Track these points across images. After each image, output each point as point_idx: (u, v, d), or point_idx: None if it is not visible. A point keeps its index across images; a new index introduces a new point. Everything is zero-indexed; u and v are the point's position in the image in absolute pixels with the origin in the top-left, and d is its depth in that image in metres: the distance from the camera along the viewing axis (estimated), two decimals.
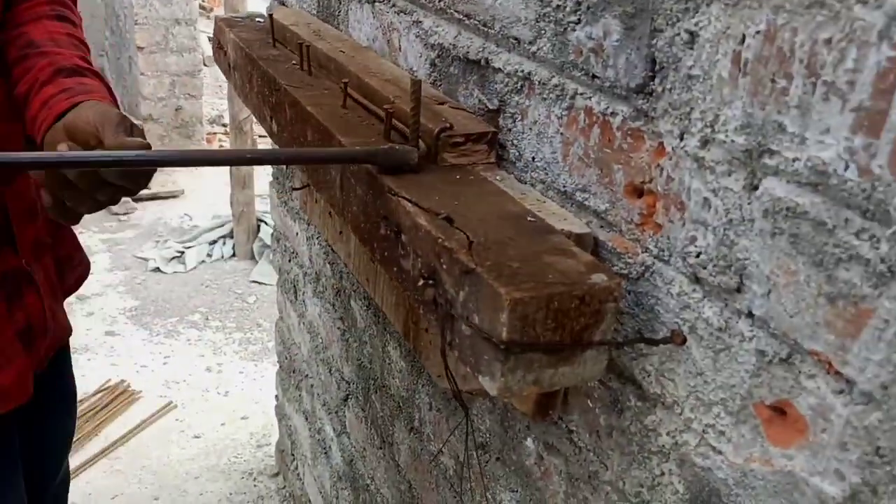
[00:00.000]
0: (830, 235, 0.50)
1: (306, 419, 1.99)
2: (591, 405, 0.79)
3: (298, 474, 2.17)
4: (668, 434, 0.68)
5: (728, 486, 0.61)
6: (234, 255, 4.07)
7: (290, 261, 1.93)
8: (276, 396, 2.30)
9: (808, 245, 0.51)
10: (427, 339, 1.04)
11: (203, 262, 3.99)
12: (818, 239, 0.50)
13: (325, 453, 1.84)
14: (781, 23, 0.51)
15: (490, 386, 0.64)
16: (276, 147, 1.19)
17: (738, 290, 0.58)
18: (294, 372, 2.06)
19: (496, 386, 0.63)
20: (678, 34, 0.59)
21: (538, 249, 0.68)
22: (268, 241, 3.96)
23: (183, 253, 3.98)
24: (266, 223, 4.04)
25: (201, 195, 4.78)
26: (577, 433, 0.82)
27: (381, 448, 1.45)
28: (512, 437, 0.94)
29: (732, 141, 0.56)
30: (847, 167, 0.48)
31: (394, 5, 1.09)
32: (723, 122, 0.57)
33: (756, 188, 0.55)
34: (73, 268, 1.23)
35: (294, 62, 1.23)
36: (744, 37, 0.54)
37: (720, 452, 0.62)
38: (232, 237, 4.08)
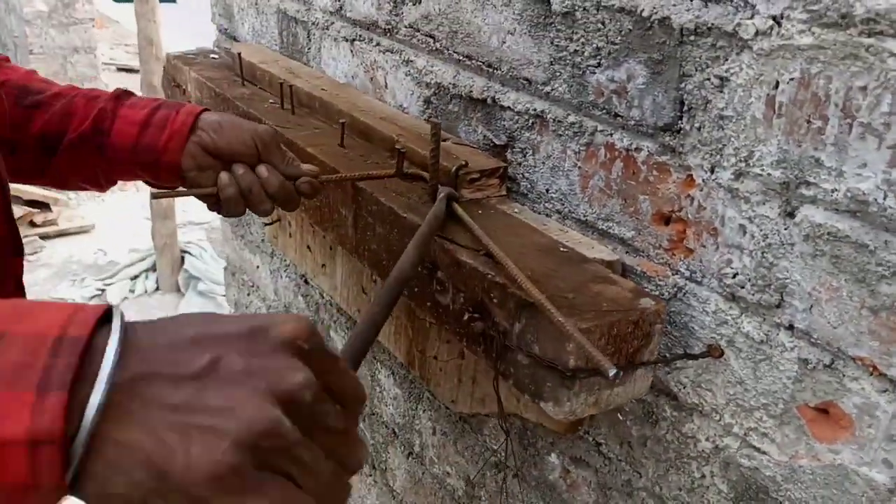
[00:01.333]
0: (872, 256, 0.57)
1: None
2: (621, 418, 0.84)
3: None
4: (707, 440, 0.74)
5: (776, 483, 0.68)
6: (157, 288, 3.95)
7: (248, 294, 1.91)
8: None
9: (849, 264, 0.58)
10: (437, 366, 1.07)
11: (126, 298, 3.84)
12: (860, 259, 0.58)
13: None
14: (815, 71, 0.58)
15: (555, 411, 0.68)
16: None
17: (778, 306, 0.65)
18: None
19: (562, 411, 0.68)
20: (708, 79, 0.66)
21: (582, 279, 0.73)
22: (194, 272, 3.86)
23: (104, 291, 3.83)
24: (191, 254, 3.94)
25: (113, 229, 4.61)
26: (607, 445, 0.87)
27: (370, 476, 1.46)
28: (533, 454, 0.99)
29: (769, 174, 0.63)
30: (886, 196, 0.55)
31: (378, 44, 1.12)
32: (758, 157, 0.63)
33: (793, 215, 0.62)
34: None
35: (272, 101, 1.24)
36: (777, 83, 0.60)
37: (764, 452, 0.69)
38: (155, 270, 3.96)
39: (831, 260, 0.60)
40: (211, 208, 0.90)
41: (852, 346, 0.60)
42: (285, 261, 1.64)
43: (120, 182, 1.01)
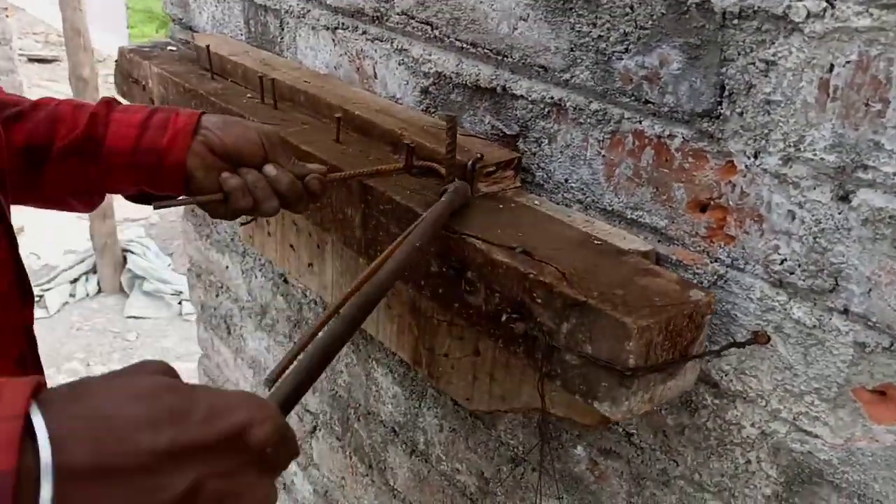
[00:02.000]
0: None
1: None
2: (654, 408, 0.83)
3: None
4: (752, 426, 0.74)
5: (833, 466, 0.68)
6: (100, 290, 3.78)
7: (217, 296, 1.83)
8: None
9: None
10: (448, 364, 1.04)
11: (67, 303, 3.66)
12: None
13: (285, 488, 1.78)
14: (875, 54, 0.57)
15: (612, 411, 0.66)
16: None
17: (832, 291, 0.64)
18: None
19: (619, 410, 0.66)
20: (752, 63, 0.64)
21: (625, 273, 0.71)
22: (138, 271, 3.72)
23: (42, 297, 3.64)
24: (133, 252, 3.78)
25: (44, 231, 4.38)
26: (638, 435, 0.86)
27: (366, 475, 1.43)
28: (556, 448, 0.97)
29: (822, 159, 0.62)
30: None
31: (364, 32, 1.07)
32: (809, 142, 0.62)
33: (848, 199, 0.61)
34: None
35: (250, 95, 1.17)
36: (832, 66, 0.59)
37: (817, 436, 0.69)
38: (95, 272, 3.79)
39: (892, 243, 0.59)
40: (214, 215, 0.84)
41: None
42: (260, 260, 1.58)
43: None
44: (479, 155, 0.85)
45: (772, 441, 0.73)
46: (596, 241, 0.77)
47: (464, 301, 0.79)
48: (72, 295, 3.71)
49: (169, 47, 1.49)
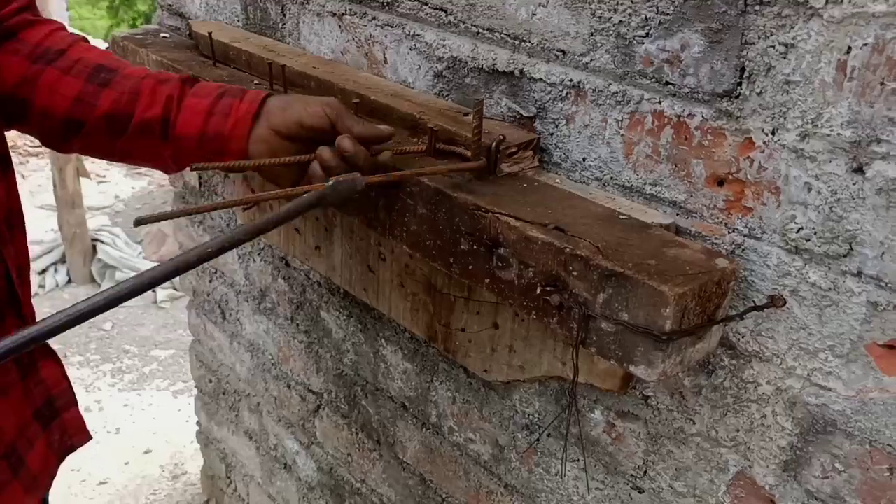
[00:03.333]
0: None
1: (250, 438, 1.93)
2: (683, 370, 0.89)
3: (239, 495, 2.11)
4: (768, 383, 0.80)
5: (846, 416, 0.74)
6: (69, 281, 3.72)
7: (210, 281, 1.84)
8: (198, 422, 2.20)
9: None
10: (465, 338, 1.09)
11: (36, 294, 3.60)
12: None
13: (286, 468, 1.81)
14: (891, 37, 0.62)
15: (648, 373, 0.71)
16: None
17: (846, 255, 0.70)
18: (225, 394, 1.99)
19: (655, 372, 0.71)
20: (772, 46, 0.69)
21: (654, 245, 0.76)
22: (108, 261, 3.67)
23: None
24: (102, 242, 3.73)
25: None
26: (655, 398, 0.92)
27: (374, 450, 1.47)
28: (572, 413, 1.03)
29: (838, 134, 0.67)
30: None
31: (374, 19, 1.10)
32: (827, 119, 0.68)
33: (862, 171, 0.67)
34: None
35: (257, 82, 1.19)
36: (849, 48, 0.64)
37: (830, 390, 0.75)
38: (65, 262, 3.73)
39: None
40: (282, 184, 0.90)
41: None
42: (258, 244, 1.59)
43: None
44: (501, 136, 0.89)
45: (787, 396, 0.79)
46: (621, 216, 0.81)
47: (494, 276, 0.83)
48: (41, 286, 3.65)
49: (161, 34, 1.49)
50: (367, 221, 0.99)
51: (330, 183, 0.80)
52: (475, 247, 0.84)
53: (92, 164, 5.18)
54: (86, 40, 0.97)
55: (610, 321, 0.73)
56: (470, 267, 0.86)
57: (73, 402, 1.04)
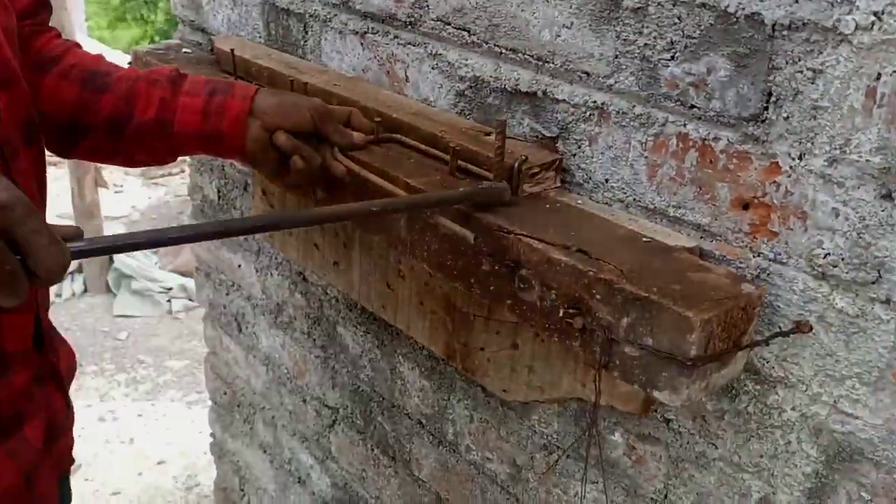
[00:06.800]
0: None
1: (265, 452, 1.93)
2: (708, 395, 0.88)
3: None
4: (793, 409, 0.79)
5: (873, 444, 0.73)
6: (86, 290, 3.75)
7: (227, 294, 1.85)
8: (213, 434, 2.20)
9: None
10: (484, 357, 1.08)
11: (53, 302, 3.63)
12: None
13: (300, 482, 1.81)
14: None
15: (672, 399, 0.71)
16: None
17: (875, 283, 0.69)
18: (240, 406, 1.99)
19: (679, 398, 0.70)
20: (800, 71, 0.69)
21: (678, 269, 0.75)
22: (125, 270, 3.69)
23: None
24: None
25: None
26: (677, 421, 0.91)
27: (389, 467, 1.47)
28: (592, 436, 1.02)
29: (867, 160, 0.67)
30: None
31: (396, 37, 1.10)
32: (856, 145, 0.67)
33: (891, 198, 0.66)
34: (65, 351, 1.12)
35: None
36: (879, 75, 0.64)
37: (857, 417, 0.74)
38: (81, 272, 3.75)
39: None
40: (270, 176, 1.02)
41: None
42: (276, 258, 1.60)
43: None
44: (523, 157, 0.89)
45: (812, 423, 0.78)
46: (644, 239, 0.81)
47: (516, 297, 0.83)
48: (58, 295, 3.67)
49: (183, 49, 1.50)
50: (388, 240, 0.99)
51: (482, 186, 0.86)
52: (497, 268, 0.84)
53: (110, 173, 5.23)
54: (79, 46, 1.01)
55: (634, 346, 0.72)
56: (491, 288, 0.86)
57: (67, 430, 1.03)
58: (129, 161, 1.03)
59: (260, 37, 1.40)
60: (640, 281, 0.72)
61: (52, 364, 0.98)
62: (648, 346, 0.71)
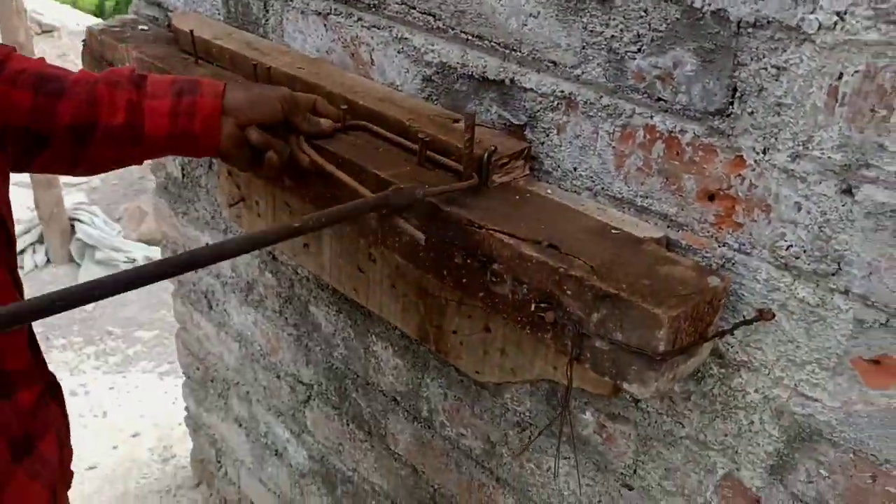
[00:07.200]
0: None
1: (240, 425, 1.94)
2: (675, 384, 0.91)
3: (230, 479, 2.13)
4: (756, 391, 0.82)
5: (831, 426, 0.77)
6: (49, 261, 3.68)
7: (196, 272, 1.83)
8: (187, 408, 2.20)
9: None
10: (457, 340, 1.10)
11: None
12: None
13: (277, 455, 1.83)
14: (882, 65, 0.62)
15: (642, 391, 0.73)
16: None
17: (835, 274, 0.72)
18: (213, 381, 1.99)
19: (649, 390, 0.73)
20: (764, 68, 0.70)
21: (647, 262, 0.77)
22: (87, 240, 3.63)
23: None
24: (81, 221, 3.68)
25: None
26: (645, 402, 0.94)
27: (365, 441, 1.49)
28: (561, 405, 1.04)
29: (829, 157, 0.68)
30: None
31: (360, 19, 1.08)
32: (818, 142, 0.68)
33: (851, 193, 0.68)
34: None
35: (242, 82, 1.17)
36: (841, 74, 0.65)
37: (817, 400, 0.77)
38: (42, 243, 3.68)
39: (893, 234, 0.66)
40: (244, 168, 1.00)
41: None
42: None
43: None
44: (493, 147, 0.89)
45: (774, 405, 0.81)
46: (613, 231, 0.82)
47: (489, 290, 0.84)
48: (20, 267, 3.60)
49: (140, 26, 1.45)
50: (358, 230, 0.99)
51: (394, 189, 0.85)
52: (469, 261, 0.85)
53: None
54: (15, 50, 0.95)
55: (604, 340, 0.74)
56: (464, 280, 0.87)
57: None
58: (90, 170, 0.99)
59: (219, 13, 1.36)
60: (610, 277, 0.73)
61: (49, 377, 0.97)
62: (618, 340, 0.73)
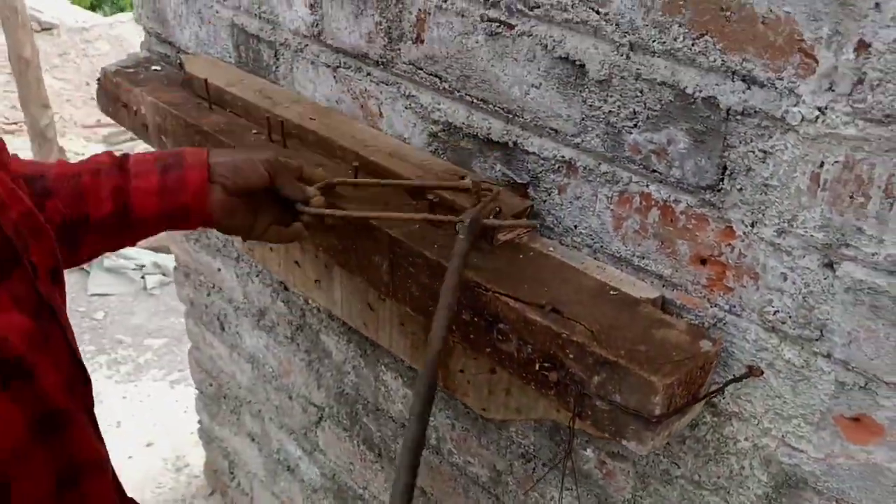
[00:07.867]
0: None
1: (253, 440, 2.01)
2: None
3: (243, 490, 2.20)
4: (746, 439, 0.88)
5: (816, 476, 0.82)
6: None
7: (208, 295, 1.89)
8: (200, 421, 2.27)
9: (887, 313, 0.71)
10: (464, 379, 1.15)
11: None
12: None
13: (290, 470, 1.89)
14: (860, 158, 0.68)
15: (639, 448, 0.79)
16: None
17: (818, 339, 0.77)
18: (226, 398, 2.05)
19: (646, 448, 0.78)
20: (752, 151, 0.75)
21: (643, 326, 0.82)
22: None
23: None
24: None
25: None
26: None
27: (376, 462, 1.55)
28: (565, 448, 1.10)
29: (812, 235, 0.73)
30: None
31: (368, 74, 1.13)
32: (802, 221, 0.74)
33: (833, 268, 0.73)
34: None
35: (255, 131, 1.22)
36: (822, 163, 0.70)
37: (802, 451, 0.83)
38: None
39: (870, 308, 0.72)
40: (243, 237, 1.00)
41: (887, 374, 0.73)
42: (256, 266, 1.64)
43: None
44: (498, 209, 0.94)
45: (763, 453, 0.87)
46: (612, 292, 0.87)
47: (495, 347, 0.89)
48: None
49: (153, 67, 1.50)
50: (370, 282, 1.05)
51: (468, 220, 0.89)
52: (476, 319, 0.90)
53: (69, 141, 5.13)
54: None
55: (604, 401, 0.79)
56: (471, 336, 0.92)
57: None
58: (76, 262, 0.96)
59: (230, 57, 1.40)
60: (609, 342, 0.79)
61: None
62: (617, 402, 0.78)
